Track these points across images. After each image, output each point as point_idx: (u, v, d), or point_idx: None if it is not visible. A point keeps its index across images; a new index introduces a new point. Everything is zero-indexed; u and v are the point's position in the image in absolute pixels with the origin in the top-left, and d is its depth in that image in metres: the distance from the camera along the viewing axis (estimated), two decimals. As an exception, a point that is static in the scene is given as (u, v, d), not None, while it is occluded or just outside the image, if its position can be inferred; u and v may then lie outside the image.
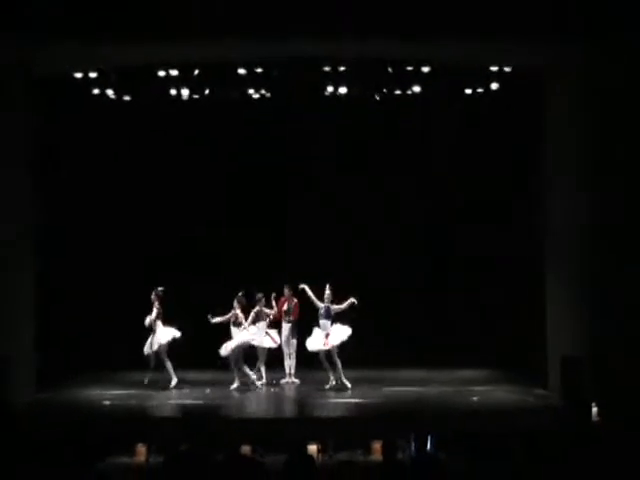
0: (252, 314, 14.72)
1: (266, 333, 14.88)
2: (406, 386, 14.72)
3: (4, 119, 13.27)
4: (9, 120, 13.36)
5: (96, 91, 15.13)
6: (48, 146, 14.67)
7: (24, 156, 13.80)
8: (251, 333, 14.67)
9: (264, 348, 14.89)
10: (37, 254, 14.20)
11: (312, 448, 11.07)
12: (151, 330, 14.57)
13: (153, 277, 15.95)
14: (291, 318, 15.11)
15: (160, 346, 14.52)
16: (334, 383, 14.46)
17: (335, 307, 14.41)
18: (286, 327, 15.18)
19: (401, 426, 12.03)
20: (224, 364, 14.68)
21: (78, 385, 14.79)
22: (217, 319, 14.48)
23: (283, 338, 15.11)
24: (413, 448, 11.51)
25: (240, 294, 14.60)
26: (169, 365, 14.63)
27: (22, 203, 13.78)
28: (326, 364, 14.43)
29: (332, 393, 14.26)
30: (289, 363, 15.20)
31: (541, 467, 8.70)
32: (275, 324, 15.21)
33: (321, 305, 14.42)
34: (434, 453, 10.92)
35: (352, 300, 14.30)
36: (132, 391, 14.47)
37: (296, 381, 15.13)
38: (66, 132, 15.46)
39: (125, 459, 11.18)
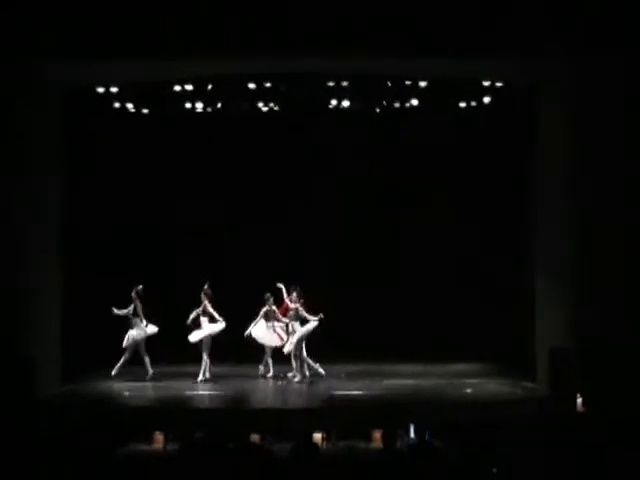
0: (261, 313, 14.87)
1: (274, 331, 14.95)
2: (404, 379, 14.80)
3: (35, 128, 13.46)
4: (40, 129, 13.57)
5: (117, 104, 15.32)
6: (73, 155, 14.85)
7: (54, 161, 14.04)
8: (260, 332, 14.82)
9: (270, 346, 14.99)
10: (63, 258, 14.39)
11: (317, 436, 11.15)
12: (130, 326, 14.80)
13: (171, 278, 16.18)
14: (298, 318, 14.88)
15: (134, 341, 14.70)
16: (318, 371, 14.63)
17: (304, 314, 14.59)
18: (294, 325, 14.95)
19: (399, 416, 12.10)
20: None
21: (100, 378, 14.88)
22: (191, 317, 14.65)
23: (291, 336, 15.01)
24: (412, 436, 11.60)
25: (206, 286, 14.72)
26: (147, 360, 14.83)
27: (52, 208, 13.99)
28: (304, 359, 14.63)
29: (336, 385, 14.35)
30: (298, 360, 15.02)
31: (527, 453, 8.81)
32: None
33: (292, 306, 14.61)
34: (430, 441, 11.01)
35: (320, 316, 14.50)
36: (150, 384, 14.60)
37: (307, 374, 14.92)
38: (89, 142, 15.60)
39: (144, 446, 11.27)
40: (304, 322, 14.71)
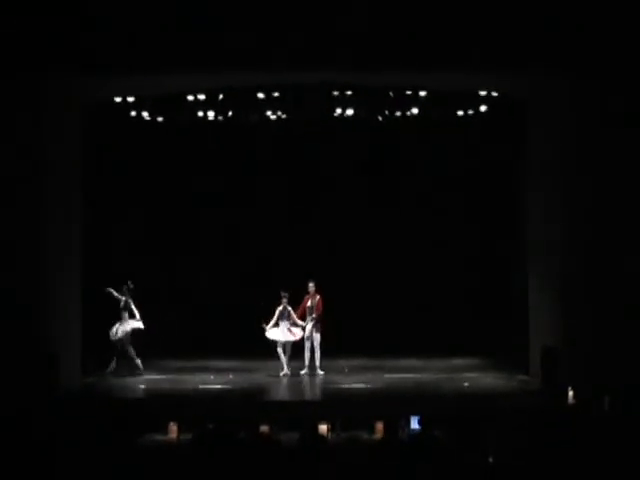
0: (277, 312, 14.64)
1: (288, 329, 14.68)
2: (405, 373, 14.85)
3: (59, 139, 13.58)
4: (63, 140, 13.69)
5: (133, 113, 15.38)
6: (94, 163, 14.93)
7: (76, 171, 14.16)
8: (274, 333, 14.65)
9: (282, 342, 14.68)
10: (84, 259, 14.47)
11: (322, 427, 11.16)
12: None
13: (186, 278, 16.26)
14: (314, 314, 14.81)
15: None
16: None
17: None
18: (310, 322, 14.84)
19: (400, 408, 12.11)
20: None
21: (118, 372, 14.92)
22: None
23: (306, 333, 14.81)
24: (412, 427, 11.60)
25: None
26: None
27: (74, 208, 14.09)
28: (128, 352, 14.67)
29: (341, 379, 14.41)
30: (308, 355, 14.83)
31: (521, 443, 8.83)
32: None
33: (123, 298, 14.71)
34: (429, 431, 11.00)
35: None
36: (164, 376, 14.69)
37: (320, 373, 14.83)
38: (107, 150, 15.68)
39: (159, 436, 11.30)
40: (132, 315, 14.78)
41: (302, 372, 14.92)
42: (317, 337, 14.85)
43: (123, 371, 14.69)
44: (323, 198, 17.46)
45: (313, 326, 14.85)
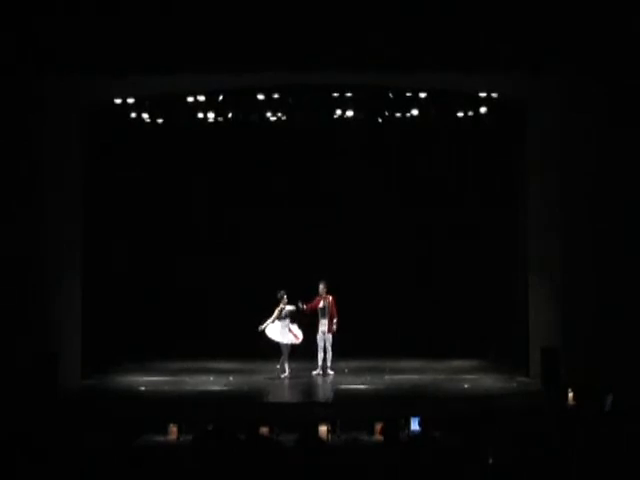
0: (276, 311, 14.56)
1: (289, 330, 14.64)
2: (405, 374, 14.83)
3: (59, 140, 13.56)
4: (62, 141, 13.66)
5: (133, 115, 15.35)
6: (93, 164, 14.90)
7: (75, 172, 14.10)
8: (274, 331, 14.52)
9: (286, 345, 14.60)
10: (84, 260, 14.43)
11: (322, 429, 11.14)
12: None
13: (186, 280, 16.21)
14: (327, 314, 14.74)
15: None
16: None
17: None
18: (323, 322, 14.78)
19: (401, 410, 12.11)
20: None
21: (118, 373, 14.97)
22: None
23: (319, 333, 14.78)
24: (412, 428, 11.59)
25: None
26: None
27: (74, 208, 14.06)
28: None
29: (341, 380, 14.37)
30: (321, 356, 14.76)
31: (520, 445, 8.82)
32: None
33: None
34: (430, 432, 10.97)
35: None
36: (164, 378, 14.66)
37: (331, 373, 14.81)
38: (107, 151, 15.66)
39: (159, 437, 11.29)
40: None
41: (314, 372, 14.85)
42: (329, 337, 14.80)
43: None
44: (323, 199, 17.42)
45: (326, 327, 14.79)
